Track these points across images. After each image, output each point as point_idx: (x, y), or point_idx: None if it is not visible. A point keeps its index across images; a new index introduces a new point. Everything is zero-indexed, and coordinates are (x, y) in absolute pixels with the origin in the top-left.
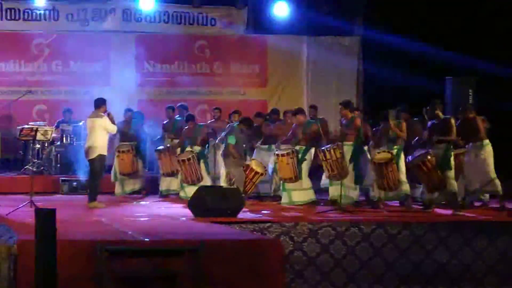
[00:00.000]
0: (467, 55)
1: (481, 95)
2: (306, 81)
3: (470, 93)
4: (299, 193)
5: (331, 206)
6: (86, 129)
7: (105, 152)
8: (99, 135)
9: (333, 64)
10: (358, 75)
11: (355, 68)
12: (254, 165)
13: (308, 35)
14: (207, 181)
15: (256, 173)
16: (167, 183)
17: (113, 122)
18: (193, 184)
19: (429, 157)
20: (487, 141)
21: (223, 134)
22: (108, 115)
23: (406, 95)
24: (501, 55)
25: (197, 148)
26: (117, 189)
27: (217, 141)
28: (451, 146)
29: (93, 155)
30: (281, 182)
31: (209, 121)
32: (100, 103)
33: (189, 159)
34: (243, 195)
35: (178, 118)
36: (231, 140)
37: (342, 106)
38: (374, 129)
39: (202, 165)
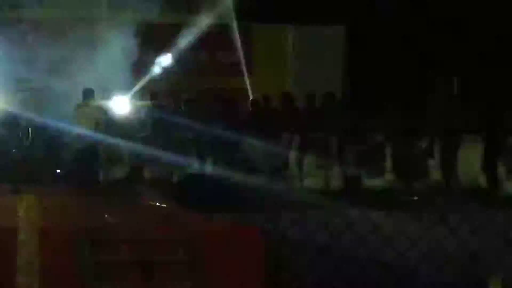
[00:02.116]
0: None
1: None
2: (291, 70)
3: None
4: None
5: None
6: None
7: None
8: (86, 124)
9: (318, 53)
10: (344, 64)
11: (340, 57)
12: None
13: (293, 24)
14: None
15: None
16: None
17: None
18: None
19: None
20: None
21: None
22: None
23: (392, 84)
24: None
25: None
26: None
27: None
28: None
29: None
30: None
31: None
32: (89, 94)
33: None
34: None
35: None
36: None
37: None
38: None
39: None
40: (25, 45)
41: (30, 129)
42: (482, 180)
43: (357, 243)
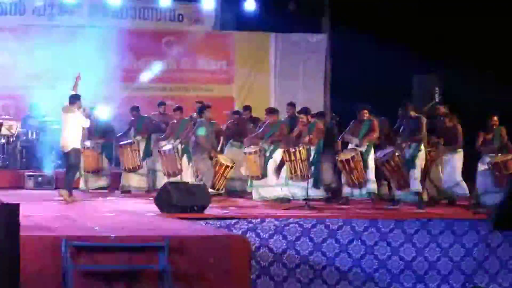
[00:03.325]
0: (433, 53)
1: (447, 92)
2: (273, 78)
3: (437, 91)
4: (266, 190)
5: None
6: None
7: (78, 145)
8: (72, 129)
9: (300, 62)
10: (326, 72)
11: (322, 65)
12: (221, 159)
13: (275, 32)
14: (187, 175)
15: (226, 166)
16: (128, 179)
17: (86, 117)
18: (172, 176)
19: (396, 154)
20: (460, 149)
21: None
22: (84, 110)
23: (373, 93)
24: (467, 53)
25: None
26: (81, 185)
27: (181, 138)
28: (420, 145)
29: (68, 148)
30: (249, 179)
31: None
32: (75, 99)
33: (164, 152)
34: (216, 190)
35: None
36: (201, 132)
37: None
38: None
39: (184, 159)
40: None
41: None
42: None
43: (338, 251)
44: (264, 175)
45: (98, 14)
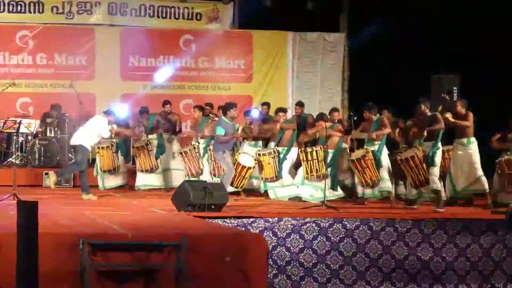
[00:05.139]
0: (451, 52)
1: (465, 92)
2: (291, 76)
3: (455, 91)
4: (282, 190)
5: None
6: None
7: (88, 146)
8: (90, 131)
9: (318, 60)
10: (343, 71)
11: (340, 64)
12: (241, 160)
13: (293, 31)
14: (208, 175)
15: (248, 168)
16: (143, 178)
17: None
18: (195, 176)
19: (417, 152)
20: (473, 138)
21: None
22: (111, 126)
23: (391, 92)
24: (485, 52)
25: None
26: (99, 183)
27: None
28: (437, 143)
29: (76, 142)
30: (263, 181)
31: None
32: (110, 113)
33: (185, 152)
34: (235, 187)
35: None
36: (220, 131)
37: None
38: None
39: (205, 158)
40: None
41: None
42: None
43: (355, 251)
44: (279, 176)
45: (117, 13)
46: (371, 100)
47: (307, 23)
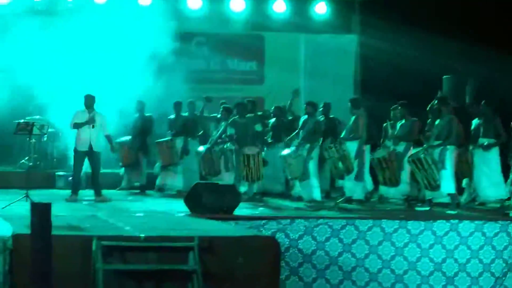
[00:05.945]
0: (464, 53)
1: (478, 94)
2: (303, 78)
3: (468, 92)
4: (311, 190)
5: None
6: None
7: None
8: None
9: (330, 62)
10: (355, 73)
11: (352, 66)
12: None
13: (305, 33)
14: (225, 176)
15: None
16: (164, 178)
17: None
18: (214, 176)
19: (423, 155)
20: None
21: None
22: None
23: (403, 93)
24: (499, 54)
25: None
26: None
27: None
28: (447, 145)
29: (99, 148)
30: (290, 181)
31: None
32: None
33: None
34: (251, 181)
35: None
36: (231, 131)
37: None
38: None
39: (222, 159)
40: None
41: None
42: None
43: (368, 252)
44: (306, 176)
45: (129, 14)
46: (383, 101)
47: (318, 25)
